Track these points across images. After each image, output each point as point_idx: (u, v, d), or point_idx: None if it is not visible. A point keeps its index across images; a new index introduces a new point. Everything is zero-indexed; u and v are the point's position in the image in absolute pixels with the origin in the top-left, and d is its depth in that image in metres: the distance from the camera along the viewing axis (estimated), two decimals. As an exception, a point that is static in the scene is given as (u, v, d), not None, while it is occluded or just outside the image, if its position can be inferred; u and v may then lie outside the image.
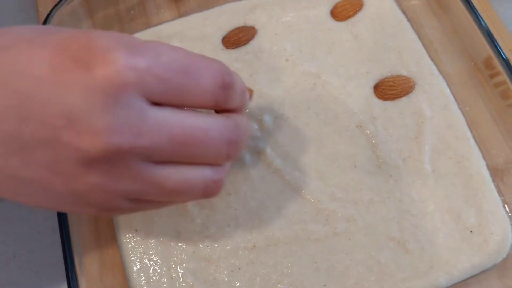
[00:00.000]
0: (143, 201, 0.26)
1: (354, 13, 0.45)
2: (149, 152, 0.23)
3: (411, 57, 0.43)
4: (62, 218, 0.35)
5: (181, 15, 0.47)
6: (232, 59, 0.44)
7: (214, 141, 0.26)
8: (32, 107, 0.22)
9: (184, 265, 0.36)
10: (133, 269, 0.36)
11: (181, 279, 0.36)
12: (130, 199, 0.26)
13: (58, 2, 0.42)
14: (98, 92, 0.22)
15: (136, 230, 0.38)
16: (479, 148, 0.40)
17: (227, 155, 0.27)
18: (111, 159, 0.22)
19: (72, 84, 0.22)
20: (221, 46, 0.44)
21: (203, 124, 0.25)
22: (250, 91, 0.28)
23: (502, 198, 0.38)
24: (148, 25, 0.47)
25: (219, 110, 0.28)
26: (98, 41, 0.22)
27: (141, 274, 0.36)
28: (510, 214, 0.38)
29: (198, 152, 0.25)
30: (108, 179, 0.23)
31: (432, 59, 0.43)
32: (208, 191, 0.27)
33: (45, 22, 0.41)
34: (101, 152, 0.22)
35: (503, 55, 0.39)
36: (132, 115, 0.22)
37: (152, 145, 0.23)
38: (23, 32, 0.24)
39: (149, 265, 0.36)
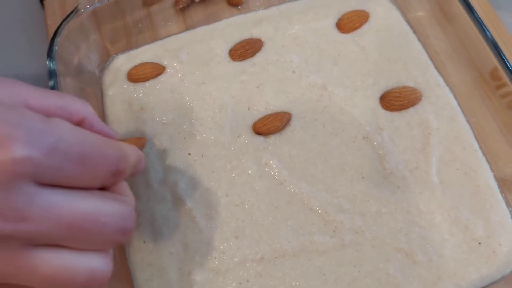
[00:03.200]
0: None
1: (360, 25, 0.45)
2: (33, 236, 0.23)
3: (417, 69, 0.43)
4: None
5: (188, 27, 0.48)
6: (238, 71, 0.44)
7: (106, 228, 0.25)
8: None
9: (192, 277, 0.36)
10: (142, 279, 0.37)
11: (189, 291, 0.36)
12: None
13: (67, 16, 0.42)
14: None
15: (144, 242, 0.38)
16: (487, 159, 0.40)
17: (118, 242, 0.26)
18: None
19: None
20: (228, 59, 0.45)
21: (95, 209, 0.25)
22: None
23: (510, 209, 0.38)
24: (155, 38, 0.47)
25: None
26: None
27: (150, 285, 0.36)
28: (518, 225, 0.38)
29: (87, 238, 0.25)
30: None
31: (438, 70, 0.43)
32: (92, 284, 0.26)
33: (54, 35, 0.41)
34: None
35: (510, 66, 0.39)
36: (19, 200, 0.22)
37: (36, 230, 0.23)
38: None
39: (157, 276, 0.37)
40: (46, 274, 0.24)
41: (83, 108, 0.29)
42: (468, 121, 0.41)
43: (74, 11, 0.43)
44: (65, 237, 0.24)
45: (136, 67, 0.45)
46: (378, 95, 0.42)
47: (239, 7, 0.48)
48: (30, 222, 0.23)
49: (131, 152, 0.29)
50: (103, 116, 0.44)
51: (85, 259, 0.25)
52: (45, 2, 0.51)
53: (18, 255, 0.23)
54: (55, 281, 0.24)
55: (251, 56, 0.44)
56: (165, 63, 0.45)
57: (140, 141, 0.37)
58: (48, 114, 0.26)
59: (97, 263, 0.26)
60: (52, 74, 0.40)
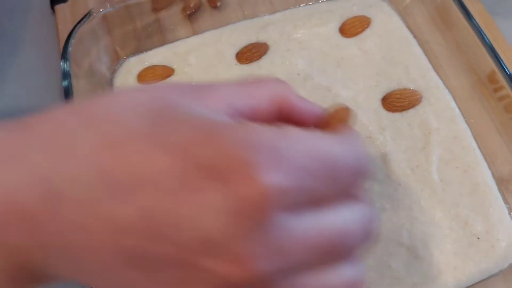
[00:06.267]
0: None
1: (362, 30, 0.47)
2: (290, 267, 0.21)
3: (418, 72, 0.45)
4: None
5: (195, 32, 0.49)
6: (245, 73, 0.45)
7: (353, 237, 0.22)
8: (161, 226, 0.19)
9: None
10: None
11: None
12: None
13: (81, 19, 0.44)
14: (239, 216, 0.19)
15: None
16: (485, 158, 0.41)
17: (364, 245, 0.23)
18: (252, 284, 0.20)
19: (207, 203, 0.19)
20: (235, 62, 0.46)
21: (341, 222, 0.22)
22: None
23: (508, 206, 0.39)
24: (164, 42, 0.49)
25: None
26: (232, 147, 0.19)
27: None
28: (516, 221, 0.39)
29: (336, 252, 0.22)
30: None
31: (438, 74, 0.45)
32: None
33: (68, 37, 0.43)
34: (244, 280, 0.20)
35: (507, 70, 0.41)
36: (274, 235, 0.20)
37: (294, 261, 0.20)
38: (128, 119, 0.21)
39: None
40: None
41: (280, 89, 0.25)
42: (466, 122, 0.43)
43: (87, 14, 0.44)
44: (315, 258, 0.21)
45: (146, 69, 0.46)
46: (380, 96, 0.43)
47: (218, 3, 0.49)
48: (288, 255, 0.20)
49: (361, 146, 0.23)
50: (113, 117, 0.45)
51: (340, 273, 0.22)
52: (56, 8, 0.52)
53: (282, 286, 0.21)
54: None
55: (257, 59, 0.46)
56: (174, 66, 0.46)
57: (347, 112, 0.26)
58: (256, 112, 0.23)
59: (351, 274, 0.23)
60: (66, 75, 0.41)
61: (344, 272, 0.22)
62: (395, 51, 0.45)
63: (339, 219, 0.22)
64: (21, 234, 0.20)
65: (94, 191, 0.20)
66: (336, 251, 0.22)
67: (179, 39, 0.49)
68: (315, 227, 0.21)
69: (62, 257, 0.21)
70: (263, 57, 0.46)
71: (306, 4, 0.49)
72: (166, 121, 0.21)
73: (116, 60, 0.48)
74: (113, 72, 0.47)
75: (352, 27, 0.47)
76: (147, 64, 0.47)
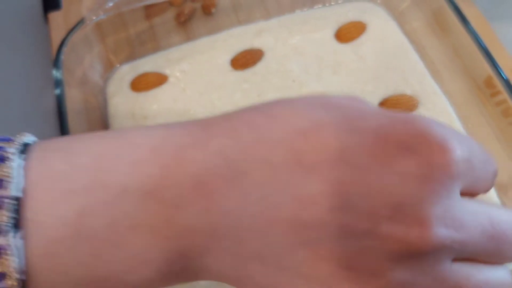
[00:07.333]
0: None
1: (358, 36, 0.46)
2: (462, 247, 0.21)
3: (414, 77, 0.44)
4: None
5: (189, 39, 0.49)
6: (240, 80, 0.45)
7: None
8: (349, 195, 0.20)
9: (196, 281, 0.37)
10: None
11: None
12: None
13: (74, 26, 0.43)
14: (431, 181, 0.20)
15: None
16: (483, 164, 0.41)
17: None
18: (425, 254, 0.21)
19: (399, 171, 0.21)
20: (230, 68, 0.46)
21: (508, 217, 0.23)
22: None
23: (507, 212, 0.39)
24: (157, 49, 0.48)
25: None
26: (424, 127, 0.21)
27: None
28: (515, 228, 0.38)
29: (500, 248, 0.23)
30: (410, 277, 0.21)
31: (435, 79, 0.44)
32: None
33: (61, 45, 0.42)
34: (426, 245, 0.20)
35: (503, 75, 0.40)
36: (454, 206, 0.21)
37: (467, 239, 0.21)
38: (311, 112, 0.22)
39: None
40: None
41: None
42: (464, 127, 0.42)
43: (80, 22, 0.44)
44: (483, 248, 0.22)
45: (139, 76, 0.46)
46: (377, 102, 0.43)
47: (212, 9, 0.49)
48: (464, 230, 0.21)
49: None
50: (106, 126, 0.45)
51: (496, 272, 0.23)
52: (49, 15, 0.52)
53: (447, 270, 0.22)
54: None
55: (252, 66, 0.46)
56: (167, 72, 0.46)
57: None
58: None
59: (505, 276, 0.24)
60: (58, 83, 0.41)
61: (499, 272, 0.24)
62: (391, 56, 0.45)
63: (504, 214, 0.23)
64: (195, 213, 0.21)
65: (282, 170, 0.21)
66: (501, 246, 0.23)
67: (172, 46, 0.48)
68: (483, 211, 0.22)
69: (226, 241, 0.21)
70: (258, 63, 0.46)
71: (301, 10, 0.49)
72: (349, 114, 0.22)
73: (109, 68, 0.47)
74: (106, 80, 0.47)
75: (348, 33, 0.46)
76: (140, 71, 0.46)
